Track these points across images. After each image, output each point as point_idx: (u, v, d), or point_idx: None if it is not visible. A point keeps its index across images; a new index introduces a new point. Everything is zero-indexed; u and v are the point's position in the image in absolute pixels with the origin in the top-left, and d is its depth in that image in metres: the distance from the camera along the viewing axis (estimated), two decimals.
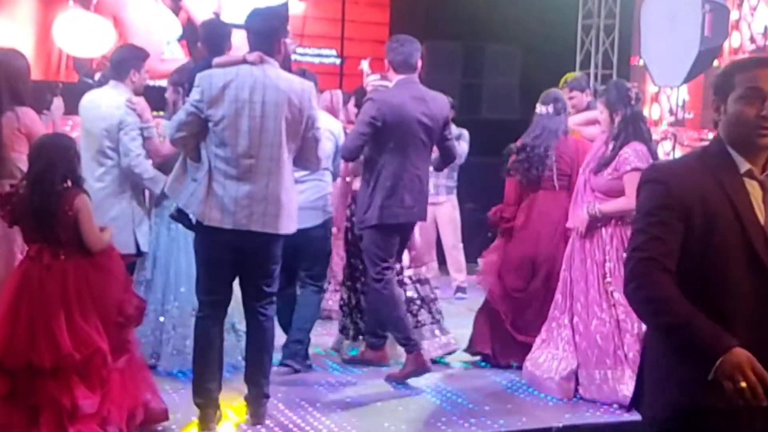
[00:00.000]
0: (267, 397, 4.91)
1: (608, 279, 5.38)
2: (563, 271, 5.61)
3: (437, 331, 6.25)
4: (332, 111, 6.34)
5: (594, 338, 5.40)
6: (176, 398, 5.09)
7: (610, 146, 5.42)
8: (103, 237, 4.52)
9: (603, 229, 5.42)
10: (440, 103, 5.81)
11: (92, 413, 4.31)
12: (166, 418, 4.70)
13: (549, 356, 5.57)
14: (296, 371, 5.82)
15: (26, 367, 4.30)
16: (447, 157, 5.96)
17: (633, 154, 5.30)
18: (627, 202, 5.10)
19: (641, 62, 9.26)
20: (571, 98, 6.79)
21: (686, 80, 8.53)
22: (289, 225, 4.77)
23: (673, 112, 10.52)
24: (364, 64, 6.75)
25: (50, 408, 4.30)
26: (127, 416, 4.46)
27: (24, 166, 4.68)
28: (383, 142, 5.61)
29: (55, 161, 4.40)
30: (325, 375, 5.91)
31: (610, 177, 5.38)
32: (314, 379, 5.80)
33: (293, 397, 5.36)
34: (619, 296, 5.28)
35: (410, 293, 6.20)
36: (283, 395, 5.33)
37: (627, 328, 5.34)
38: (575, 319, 5.50)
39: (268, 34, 4.76)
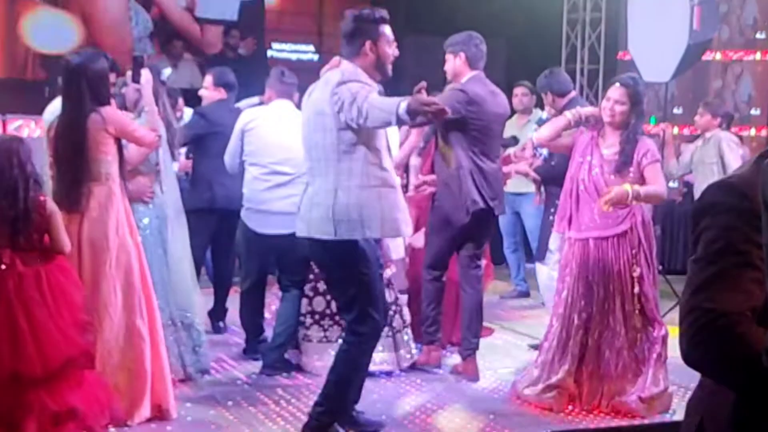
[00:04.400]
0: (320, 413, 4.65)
1: (636, 274, 5.22)
2: (560, 281, 5.40)
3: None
4: None
5: (596, 347, 5.24)
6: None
7: (622, 145, 5.27)
8: (67, 239, 4.51)
9: (628, 233, 5.25)
10: (504, 96, 6.10)
11: (75, 415, 4.34)
12: (129, 417, 4.71)
13: (538, 364, 5.38)
14: (285, 368, 5.83)
15: (10, 379, 4.24)
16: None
17: (652, 146, 5.39)
18: (662, 189, 5.34)
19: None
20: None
21: (675, 75, 8.42)
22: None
23: (661, 107, 10.36)
24: None
25: (33, 416, 4.26)
26: (96, 416, 4.48)
27: (110, 167, 4.75)
28: (464, 138, 5.71)
29: (24, 166, 4.37)
30: (313, 376, 5.73)
31: (634, 172, 5.26)
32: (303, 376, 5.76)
33: (282, 397, 5.34)
34: (645, 298, 5.21)
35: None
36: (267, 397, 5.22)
37: (647, 332, 5.21)
38: (573, 330, 5.27)
39: (346, 37, 4.59)
